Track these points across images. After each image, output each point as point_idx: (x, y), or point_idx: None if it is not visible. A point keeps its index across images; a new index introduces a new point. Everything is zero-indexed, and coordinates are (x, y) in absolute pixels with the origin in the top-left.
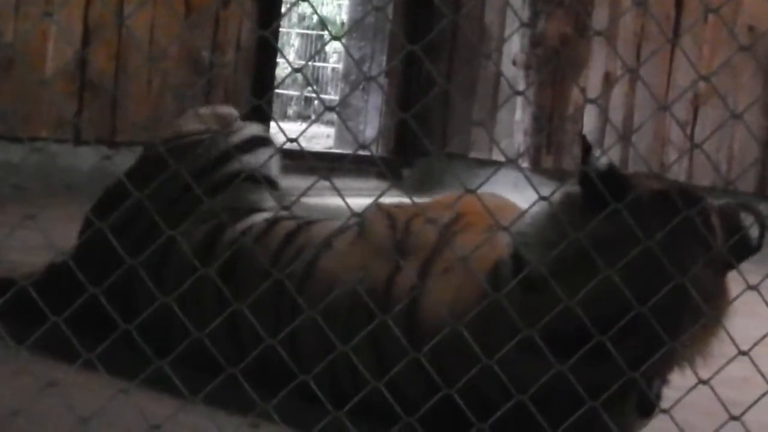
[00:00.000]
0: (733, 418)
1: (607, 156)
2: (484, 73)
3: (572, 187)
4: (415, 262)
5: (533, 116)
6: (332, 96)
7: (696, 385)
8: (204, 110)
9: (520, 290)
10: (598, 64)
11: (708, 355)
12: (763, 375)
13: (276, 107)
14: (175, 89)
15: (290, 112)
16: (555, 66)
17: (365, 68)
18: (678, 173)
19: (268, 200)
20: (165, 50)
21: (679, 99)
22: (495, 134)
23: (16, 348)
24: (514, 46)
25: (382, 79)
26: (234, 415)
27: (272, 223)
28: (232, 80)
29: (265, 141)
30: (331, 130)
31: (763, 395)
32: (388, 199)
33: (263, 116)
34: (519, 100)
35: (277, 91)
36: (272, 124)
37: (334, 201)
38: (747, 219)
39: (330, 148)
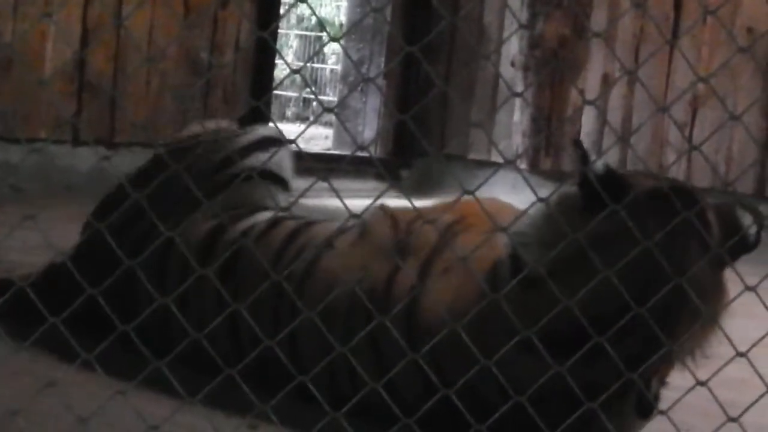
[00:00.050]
0: (731, 419)
1: (603, 158)
2: (482, 74)
3: (570, 188)
4: (415, 262)
5: (532, 118)
6: (331, 97)
7: (694, 386)
8: (208, 123)
9: (519, 290)
10: (596, 65)
11: (706, 354)
12: (761, 376)
13: (274, 108)
14: (174, 90)
15: (289, 113)
16: (553, 67)
17: (364, 70)
18: (677, 175)
19: (278, 198)
20: (164, 51)
21: (678, 100)
22: (493, 136)
23: (15, 348)
24: (513, 47)
25: (381, 81)
26: (232, 416)
27: (274, 222)
28: (231, 81)
29: (278, 141)
30: (329, 132)
31: (761, 396)
32: (391, 202)
33: (262, 117)
34: (517, 101)
35: (275, 92)
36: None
37: (333, 202)
38: (744, 217)
39: (328, 149)
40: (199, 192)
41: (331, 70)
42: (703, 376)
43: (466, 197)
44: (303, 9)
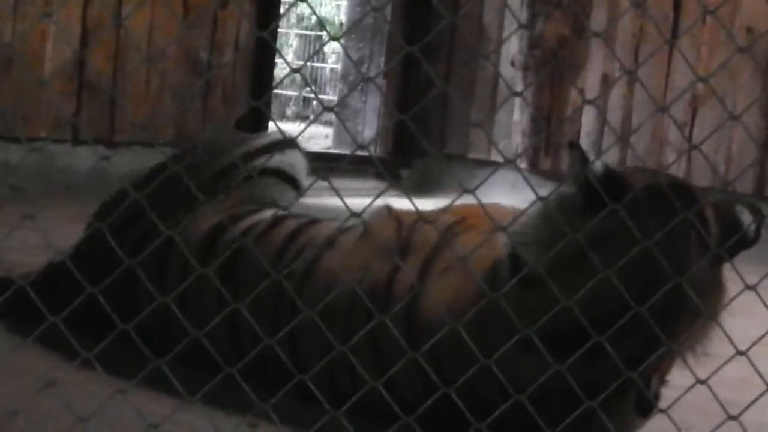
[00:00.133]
0: (731, 417)
1: (602, 158)
2: (482, 74)
3: (568, 188)
4: (416, 262)
5: (531, 117)
6: (331, 96)
7: (694, 384)
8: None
9: (518, 290)
10: (596, 65)
11: (705, 352)
12: (761, 375)
13: (274, 107)
14: (174, 89)
15: (289, 112)
16: (553, 67)
17: (364, 69)
18: (676, 174)
19: (288, 196)
20: (163, 51)
21: (678, 100)
22: (493, 135)
23: (15, 347)
24: (513, 47)
25: (381, 80)
26: (232, 414)
27: (276, 220)
28: (231, 81)
29: (293, 144)
30: (329, 131)
31: (761, 395)
32: (395, 203)
33: (261, 116)
34: (517, 101)
35: (275, 91)
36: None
37: (333, 201)
38: (743, 213)
39: (328, 148)
40: (207, 190)
41: (331, 70)
42: (702, 374)
43: (468, 200)
44: (303, 8)
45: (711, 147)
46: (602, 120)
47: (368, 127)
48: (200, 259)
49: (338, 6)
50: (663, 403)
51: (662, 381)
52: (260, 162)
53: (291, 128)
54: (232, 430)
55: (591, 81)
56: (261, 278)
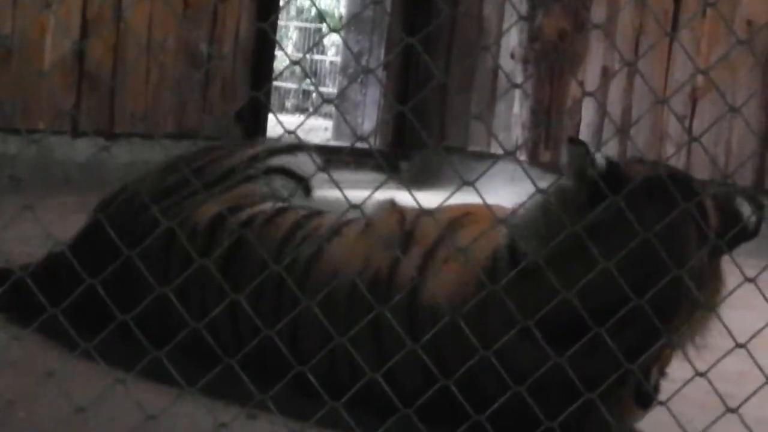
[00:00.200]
0: (730, 410)
1: (602, 151)
2: (482, 66)
3: (567, 182)
4: (418, 253)
5: (531, 110)
6: (330, 89)
7: (693, 377)
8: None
9: (517, 280)
10: (596, 58)
11: (704, 344)
12: (760, 368)
13: (274, 100)
14: (173, 81)
15: (288, 104)
16: (553, 60)
17: (363, 61)
18: (676, 166)
19: (294, 192)
20: (163, 42)
21: (677, 93)
22: (493, 128)
23: (14, 338)
24: (512, 39)
25: (380, 73)
26: (231, 405)
27: (280, 211)
28: (230, 73)
29: (304, 147)
30: (329, 123)
31: (760, 388)
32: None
33: (261, 109)
34: (517, 93)
35: (275, 83)
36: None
37: (333, 193)
38: (743, 205)
39: (328, 140)
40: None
41: (331, 62)
42: (702, 367)
43: (468, 192)
44: (302, 1)
45: (711, 139)
46: (602, 112)
47: (368, 120)
48: (203, 246)
49: None
50: (662, 396)
51: (662, 373)
52: (268, 162)
53: (290, 120)
54: (231, 420)
55: (591, 74)
56: (263, 268)
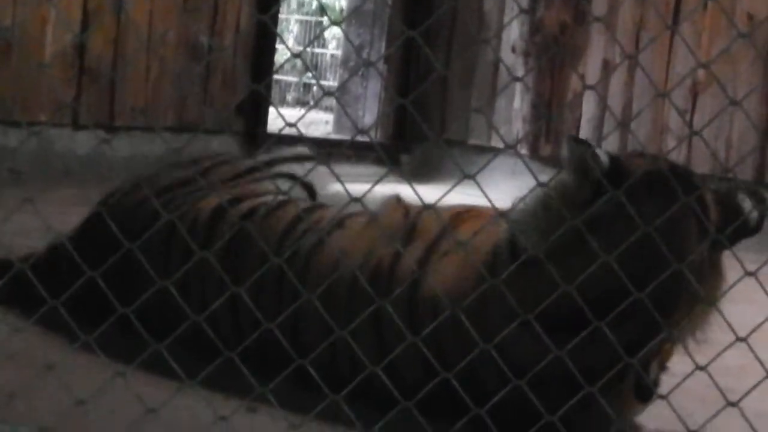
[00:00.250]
0: (731, 404)
1: (603, 146)
2: (482, 60)
3: (567, 176)
4: (420, 245)
5: (532, 103)
6: (331, 82)
7: (693, 371)
8: None
9: (517, 274)
10: (596, 51)
11: (704, 338)
12: (761, 362)
13: (275, 93)
14: (174, 74)
15: (289, 98)
16: (554, 53)
17: (364, 54)
18: (677, 160)
19: (298, 194)
20: (163, 35)
21: (678, 86)
22: (494, 121)
23: (14, 330)
24: (513, 33)
25: (381, 66)
26: (231, 398)
27: (282, 203)
28: (231, 66)
29: (312, 158)
30: (329, 116)
31: (761, 382)
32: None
33: (262, 102)
34: (518, 87)
35: (275, 77)
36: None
37: (333, 186)
38: (745, 200)
39: (329, 134)
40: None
41: (332, 55)
42: (702, 361)
43: (468, 186)
44: None
45: (711, 133)
46: (603, 106)
47: (368, 113)
48: (204, 237)
49: None
50: (662, 390)
51: (662, 367)
52: (275, 169)
53: (291, 114)
54: (232, 413)
55: (592, 67)
56: (263, 261)
